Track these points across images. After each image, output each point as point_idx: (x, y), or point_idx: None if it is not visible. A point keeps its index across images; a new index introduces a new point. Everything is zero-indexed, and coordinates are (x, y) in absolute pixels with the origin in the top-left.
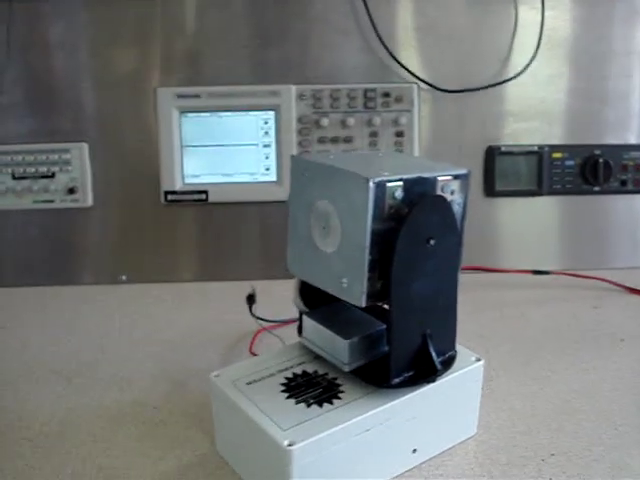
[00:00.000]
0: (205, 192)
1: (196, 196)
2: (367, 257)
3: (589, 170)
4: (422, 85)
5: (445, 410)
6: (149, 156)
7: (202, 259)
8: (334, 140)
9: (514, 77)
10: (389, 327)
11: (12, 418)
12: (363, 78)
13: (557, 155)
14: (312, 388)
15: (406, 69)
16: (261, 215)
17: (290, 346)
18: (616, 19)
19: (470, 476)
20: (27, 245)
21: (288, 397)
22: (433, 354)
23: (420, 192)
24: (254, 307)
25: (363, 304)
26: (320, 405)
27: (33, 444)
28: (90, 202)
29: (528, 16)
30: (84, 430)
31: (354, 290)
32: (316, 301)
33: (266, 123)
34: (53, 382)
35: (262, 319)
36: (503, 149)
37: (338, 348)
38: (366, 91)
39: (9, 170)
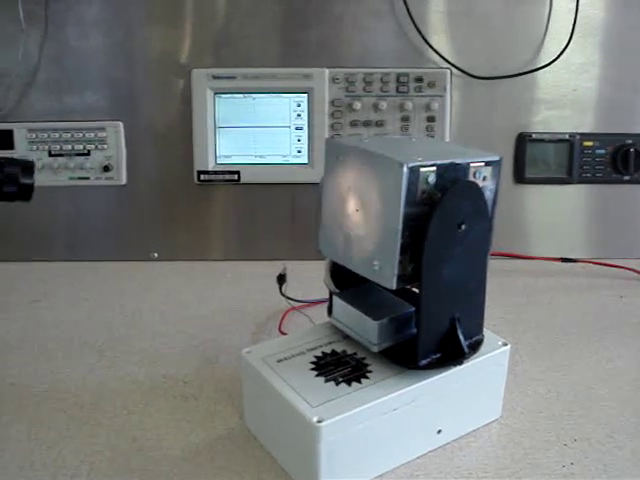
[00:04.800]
0: (237, 172)
1: (228, 176)
2: (399, 240)
3: (620, 159)
4: (454, 71)
5: (471, 393)
6: (183, 136)
7: (233, 239)
8: (366, 124)
9: (547, 65)
10: (418, 310)
11: (47, 389)
12: (396, 62)
13: (588, 143)
14: (341, 367)
15: (439, 54)
16: (292, 197)
17: (320, 326)
18: None
19: (493, 458)
20: (61, 221)
21: (317, 375)
22: (461, 337)
23: (452, 178)
24: (284, 286)
25: (394, 287)
26: (349, 384)
27: (67, 415)
28: (124, 180)
29: (562, 3)
30: (117, 402)
31: (385, 273)
32: (346, 282)
33: (299, 106)
34: (86, 355)
35: (292, 299)
36: (534, 136)
37: (367, 329)
38: (399, 75)
39: (46, 147)
